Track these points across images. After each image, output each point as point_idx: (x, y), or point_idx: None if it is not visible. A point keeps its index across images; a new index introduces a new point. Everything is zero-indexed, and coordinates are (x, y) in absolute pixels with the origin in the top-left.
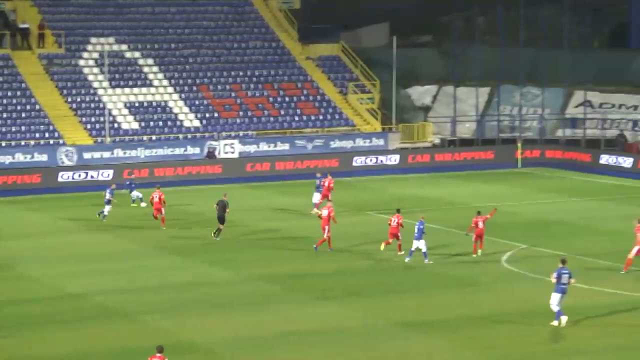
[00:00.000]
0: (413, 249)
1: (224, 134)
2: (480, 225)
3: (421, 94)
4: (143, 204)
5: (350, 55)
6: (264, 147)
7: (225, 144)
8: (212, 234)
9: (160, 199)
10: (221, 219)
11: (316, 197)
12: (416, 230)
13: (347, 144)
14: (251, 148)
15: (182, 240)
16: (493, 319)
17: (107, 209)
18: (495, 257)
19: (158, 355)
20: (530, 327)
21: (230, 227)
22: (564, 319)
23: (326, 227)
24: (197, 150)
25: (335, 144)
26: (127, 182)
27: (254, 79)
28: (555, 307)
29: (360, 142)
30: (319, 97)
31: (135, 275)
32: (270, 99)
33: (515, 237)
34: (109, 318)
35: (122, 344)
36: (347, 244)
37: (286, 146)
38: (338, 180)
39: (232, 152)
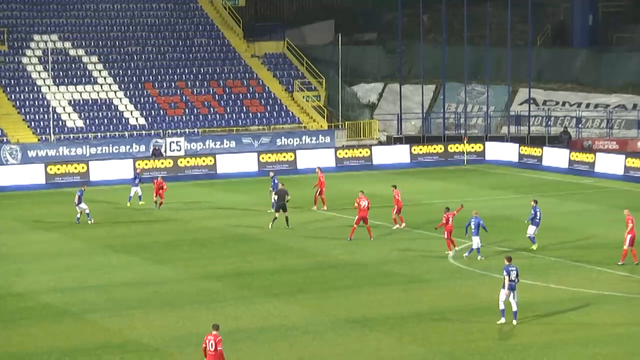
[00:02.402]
0: (475, 247)
1: (169, 131)
2: (451, 221)
3: (367, 91)
4: (141, 202)
5: (296, 53)
6: (210, 144)
7: (171, 142)
8: (269, 225)
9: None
10: (283, 208)
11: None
12: (473, 227)
13: (294, 141)
14: (197, 145)
15: (127, 239)
16: (439, 315)
17: (84, 207)
18: (441, 253)
19: (214, 332)
20: (476, 323)
21: (174, 225)
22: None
23: (365, 217)
24: (142, 148)
25: (282, 142)
26: (134, 177)
27: (200, 76)
28: (502, 305)
29: (306, 140)
30: (265, 95)
31: (80, 273)
32: (216, 97)
33: (462, 233)
34: (55, 317)
35: (68, 343)
36: (291, 240)
37: (232, 144)
38: (283, 178)
39: (178, 150)
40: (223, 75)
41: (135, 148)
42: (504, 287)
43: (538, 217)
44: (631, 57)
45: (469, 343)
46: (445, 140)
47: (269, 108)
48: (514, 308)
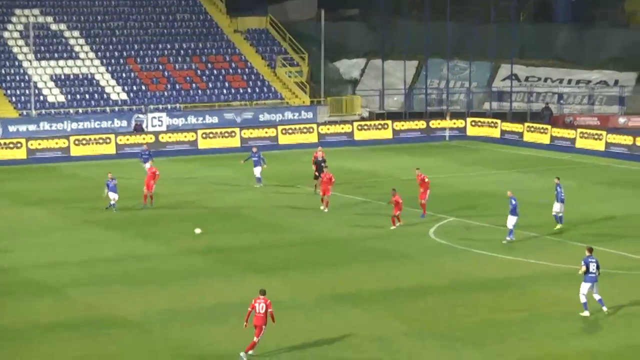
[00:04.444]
0: (511, 227)
1: (151, 106)
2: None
3: (349, 67)
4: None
5: (279, 29)
6: (192, 120)
7: (153, 117)
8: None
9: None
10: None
11: (257, 171)
12: (510, 207)
13: (276, 117)
14: (179, 121)
15: (110, 214)
16: (421, 291)
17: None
18: (423, 229)
19: (262, 297)
20: (457, 299)
21: (156, 200)
22: (604, 308)
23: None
24: (124, 123)
25: (264, 117)
26: (142, 152)
27: (182, 51)
28: (583, 298)
29: (289, 115)
30: (247, 70)
31: (62, 249)
32: (199, 72)
33: (443, 209)
34: (37, 292)
35: (51, 318)
36: (274, 217)
37: (214, 119)
38: (265, 153)
39: (160, 125)
40: (205, 50)
41: (117, 123)
42: (584, 281)
43: (562, 195)
44: (613, 33)
45: (451, 319)
46: (428, 116)
47: (251, 84)
48: (597, 298)
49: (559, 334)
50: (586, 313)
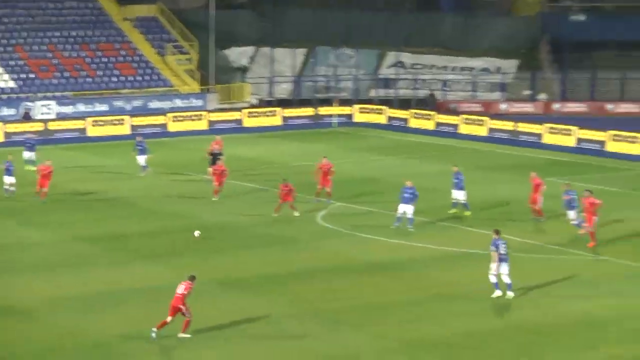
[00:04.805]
0: (400, 213)
1: (40, 94)
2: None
3: (239, 55)
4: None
5: (168, 17)
6: (81, 107)
7: (42, 105)
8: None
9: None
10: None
11: (142, 160)
12: (405, 195)
13: (166, 104)
14: (68, 109)
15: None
16: (309, 274)
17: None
18: (311, 215)
19: (188, 281)
20: (343, 281)
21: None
22: (510, 294)
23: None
24: (12, 111)
25: (154, 105)
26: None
27: (71, 39)
28: (493, 278)
29: (178, 103)
30: (136, 58)
31: None
32: (88, 60)
33: (331, 195)
34: None
35: None
36: (164, 204)
37: (104, 107)
38: (155, 141)
39: (49, 113)
40: (95, 38)
41: (5, 112)
42: (494, 261)
43: (462, 183)
44: (495, 21)
45: (336, 301)
46: (316, 103)
47: (140, 71)
48: (507, 281)
49: (440, 316)
50: (498, 293)
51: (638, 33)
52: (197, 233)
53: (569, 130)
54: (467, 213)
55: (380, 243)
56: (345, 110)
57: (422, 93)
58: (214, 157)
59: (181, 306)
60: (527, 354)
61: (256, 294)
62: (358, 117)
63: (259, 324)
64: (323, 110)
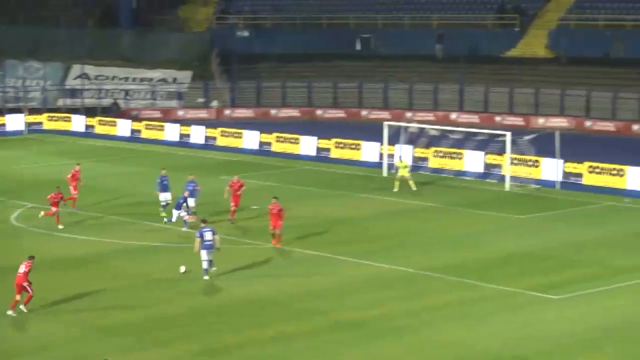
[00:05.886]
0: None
1: None
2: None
3: None
4: None
5: None
6: None
7: None
8: None
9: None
10: None
11: None
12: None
13: None
14: None
15: None
16: (3, 271)
17: None
18: (4, 216)
19: (28, 260)
20: (41, 277)
21: None
22: (213, 269)
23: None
24: None
25: None
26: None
27: None
28: (205, 264)
29: None
30: None
31: None
32: None
33: (23, 197)
34: None
35: None
36: None
37: None
38: None
39: None
40: None
41: None
42: (202, 248)
43: (168, 184)
44: (170, 37)
45: (35, 296)
46: (6, 112)
47: None
48: (205, 266)
49: (131, 303)
50: (206, 277)
51: (294, 47)
52: (182, 269)
53: (240, 133)
54: (164, 214)
55: (71, 240)
56: (36, 118)
57: (106, 102)
58: None
59: (24, 283)
60: (211, 334)
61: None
62: (47, 125)
63: None
64: (13, 119)
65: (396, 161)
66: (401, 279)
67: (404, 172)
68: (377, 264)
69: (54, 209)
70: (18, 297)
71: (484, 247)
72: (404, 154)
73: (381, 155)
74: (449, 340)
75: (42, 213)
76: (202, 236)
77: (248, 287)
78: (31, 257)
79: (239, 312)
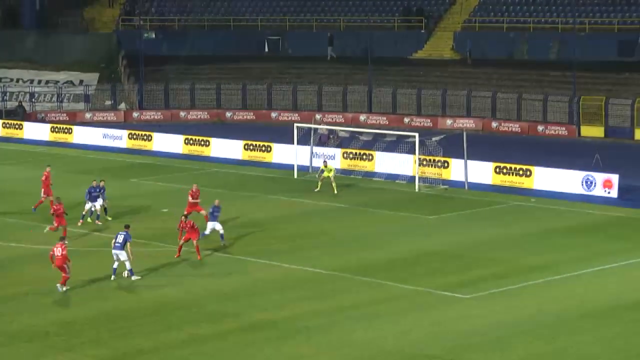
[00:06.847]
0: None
1: None
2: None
3: None
4: None
5: None
6: None
7: None
8: None
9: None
10: None
11: None
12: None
13: None
14: None
15: None
16: None
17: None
18: None
19: (61, 242)
20: None
21: None
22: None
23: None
24: None
25: None
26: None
27: None
28: (115, 264)
29: None
30: None
31: None
32: None
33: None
34: None
35: None
36: None
37: None
38: None
39: None
40: None
41: None
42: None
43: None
44: (75, 38)
45: None
46: None
47: None
48: (115, 266)
49: (36, 308)
50: (113, 277)
51: (202, 49)
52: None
53: (149, 135)
54: (109, 217)
55: None
56: None
57: (11, 104)
58: None
59: (65, 265)
60: (122, 338)
61: None
62: None
63: None
64: None
65: (322, 165)
66: (311, 279)
67: (329, 174)
68: (288, 265)
69: (56, 224)
70: (65, 274)
71: (394, 247)
72: (330, 159)
73: (294, 157)
74: (359, 340)
75: (47, 228)
76: (115, 238)
77: (158, 290)
78: (62, 239)
79: (150, 316)
